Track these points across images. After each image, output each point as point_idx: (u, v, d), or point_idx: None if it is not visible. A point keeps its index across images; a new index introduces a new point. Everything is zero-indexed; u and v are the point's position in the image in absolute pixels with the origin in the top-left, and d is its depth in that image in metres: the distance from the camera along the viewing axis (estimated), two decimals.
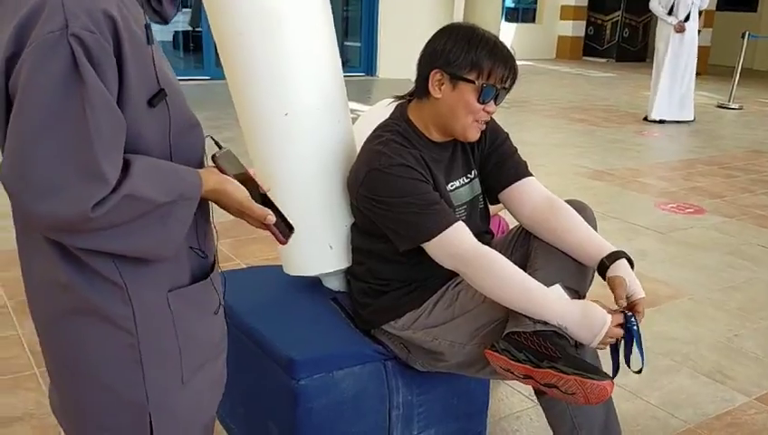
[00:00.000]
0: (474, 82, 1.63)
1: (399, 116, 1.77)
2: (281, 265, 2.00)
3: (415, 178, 1.64)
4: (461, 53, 1.63)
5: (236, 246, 3.45)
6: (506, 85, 1.68)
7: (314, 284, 2.00)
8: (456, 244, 1.62)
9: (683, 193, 4.90)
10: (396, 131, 1.72)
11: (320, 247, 1.88)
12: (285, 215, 1.16)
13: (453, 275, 1.71)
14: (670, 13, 7.44)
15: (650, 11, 14.93)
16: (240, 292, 1.94)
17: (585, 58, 15.52)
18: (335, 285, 1.99)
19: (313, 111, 1.79)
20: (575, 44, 15.61)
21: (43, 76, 0.87)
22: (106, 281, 1.00)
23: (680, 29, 7.40)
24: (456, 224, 1.63)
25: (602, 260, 1.66)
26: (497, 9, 9.45)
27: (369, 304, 1.81)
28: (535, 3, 15.57)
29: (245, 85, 1.77)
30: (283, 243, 1.18)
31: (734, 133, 7.42)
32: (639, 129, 7.35)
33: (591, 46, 15.57)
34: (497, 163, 1.84)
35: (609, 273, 1.64)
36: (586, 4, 15.42)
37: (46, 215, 0.89)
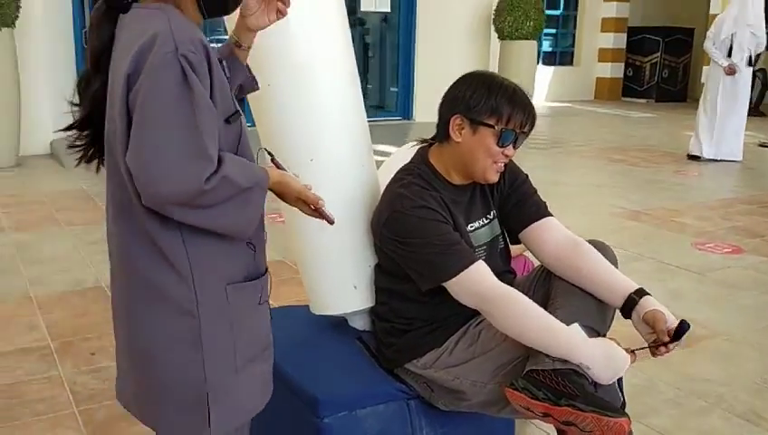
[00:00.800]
0: (494, 127, 1.70)
1: (420, 159, 1.84)
2: (308, 305, 2.07)
3: (436, 220, 1.70)
4: (481, 98, 1.70)
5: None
6: (525, 130, 1.74)
7: (340, 323, 2.05)
8: (477, 282, 1.66)
9: (721, 232, 4.83)
10: (417, 174, 1.78)
11: (344, 287, 1.94)
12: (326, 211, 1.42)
13: (474, 314, 1.75)
14: (729, 54, 7.45)
15: (689, 52, 14.83)
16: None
17: (624, 99, 15.47)
18: (360, 324, 2.04)
19: (338, 156, 1.88)
20: (614, 85, 15.59)
21: (163, 85, 1.12)
22: (178, 272, 1.21)
23: (730, 72, 7.41)
24: (477, 263, 1.67)
25: (630, 296, 1.69)
26: (533, 54, 9.53)
27: (392, 344, 1.85)
28: (573, 46, 15.65)
29: (274, 134, 1.86)
30: (332, 222, 1.42)
31: None
32: (678, 168, 7.28)
33: (631, 87, 15.53)
34: (517, 204, 1.88)
35: (642, 308, 1.67)
36: (624, 46, 15.44)
37: (172, 189, 1.11)
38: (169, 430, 1.31)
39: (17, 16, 6.56)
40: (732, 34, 7.45)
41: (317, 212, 1.38)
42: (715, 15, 13.17)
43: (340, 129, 1.87)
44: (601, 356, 1.56)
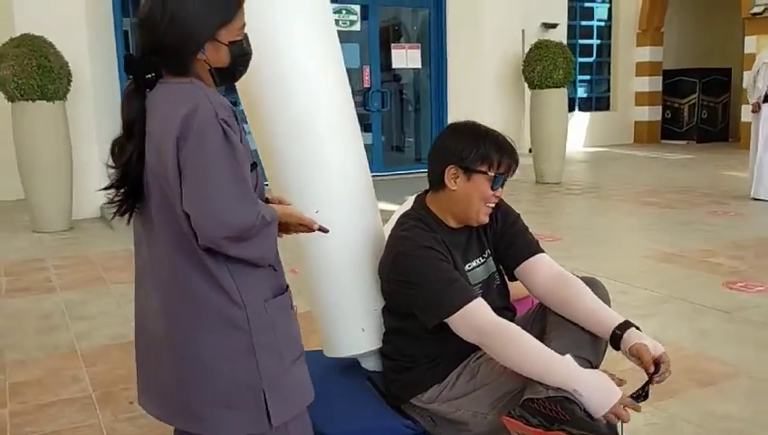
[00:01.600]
0: (487, 173, 1.84)
1: (419, 205, 1.98)
2: (321, 350, 2.19)
3: (437, 259, 1.82)
4: (472, 149, 1.85)
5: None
6: (512, 172, 1.88)
7: (352, 365, 2.17)
8: (477, 317, 1.77)
9: (753, 272, 4.79)
10: (417, 218, 1.93)
11: (353, 330, 2.07)
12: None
13: (473, 349, 1.85)
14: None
15: (728, 92, 14.75)
16: None
17: (664, 141, 15.40)
18: (371, 365, 2.16)
19: (341, 207, 2.03)
20: (652, 129, 15.55)
21: (210, 144, 1.37)
22: (229, 295, 1.46)
23: (754, 109, 7.61)
24: (477, 299, 1.79)
25: (614, 331, 1.78)
26: (563, 101, 9.65)
27: (397, 380, 1.97)
28: (608, 91, 15.73)
29: (280, 187, 2.03)
30: (327, 231, 1.69)
31: None
32: (714, 209, 7.23)
33: (670, 129, 15.47)
34: (510, 242, 2.00)
35: (625, 343, 1.75)
36: (660, 89, 15.45)
37: (235, 227, 1.37)
38: (231, 430, 1.49)
39: (69, 89, 7.02)
40: (757, 72, 7.66)
41: (315, 230, 1.66)
42: (751, 55, 13.19)
43: (342, 181, 2.03)
44: (595, 386, 1.65)
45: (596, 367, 1.80)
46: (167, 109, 1.41)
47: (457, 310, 1.77)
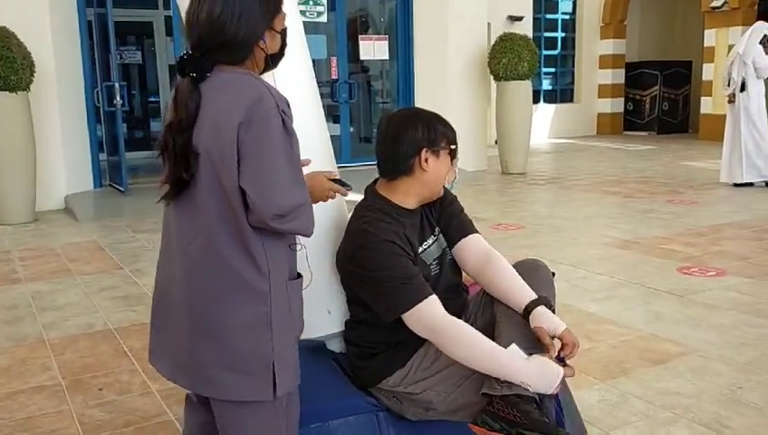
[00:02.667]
0: (448, 149, 1.97)
1: (372, 195, 2.05)
2: None
3: (397, 254, 1.90)
4: (433, 130, 1.96)
5: None
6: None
7: (318, 347, 2.25)
8: (431, 315, 1.86)
9: (707, 257, 4.99)
10: (375, 209, 2.00)
11: (319, 313, 2.14)
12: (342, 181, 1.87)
13: None
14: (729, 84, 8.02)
15: (688, 84, 15.13)
16: None
17: (626, 133, 15.73)
18: (337, 346, 2.24)
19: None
20: (615, 120, 15.87)
21: (272, 132, 1.52)
22: (260, 269, 1.58)
23: (729, 100, 8.03)
24: (431, 297, 1.87)
25: (525, 308, 1.92)
26: (528, 93, 9.80)
27: (363, 367, 2.04)
28: (573, 84, 16.00)
29: None
30: (348, 192, 1.87)
31: None
32: (672, 198, 7.46)
33: (632, 121, 15.81)
34: (446, 223, 2.11)
35: (532, 322, 1.89)
36: (623, 81, 15.76)
37: (286, 206, 1.51)
38: (239, 393, 1.61)
39: (32, 80, 6.95)
40: (730, 64, 7.99)
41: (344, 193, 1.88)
42: (711, 48, 13.54)
43: (309, 169, 2.09)
44: (537, 373, 1.78)
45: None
46: (230, 94, 1.54)
47: (411, 307, 1.86)
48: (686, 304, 3.99)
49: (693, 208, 6.89)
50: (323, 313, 2.14)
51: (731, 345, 3.35)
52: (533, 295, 1.92)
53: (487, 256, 2.04)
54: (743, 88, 7.84)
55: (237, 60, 1.60)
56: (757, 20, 8.72)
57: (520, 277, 1.97)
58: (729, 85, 8.00)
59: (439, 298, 1.91)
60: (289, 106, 1.58)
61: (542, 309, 1.89)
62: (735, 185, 8.00)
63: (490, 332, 1.91)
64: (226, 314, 1.58)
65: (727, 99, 8.06)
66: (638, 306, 3.95)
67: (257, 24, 1.59)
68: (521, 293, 1.94)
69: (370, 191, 2.06)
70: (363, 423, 1.98)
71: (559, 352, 1.84)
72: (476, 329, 1.87)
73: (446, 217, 2.10)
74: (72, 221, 7.07)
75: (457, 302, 2.08)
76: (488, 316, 2.00)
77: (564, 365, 1.81)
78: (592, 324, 3.68)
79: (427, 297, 1.86)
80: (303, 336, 2.19)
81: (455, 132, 2.02)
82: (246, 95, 1.53)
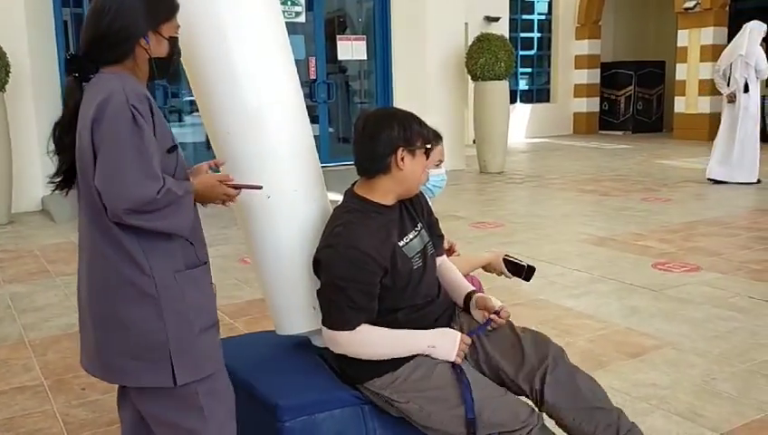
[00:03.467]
0: (425, 147, 2.02)
1: (350, 196, 2.08)
2: (273, 330, 2.30)
3: (361, 266, 1.91)
4: (409, 130, 2.01)
5: (251, 323, 3.74)
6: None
7: (304, 342, 2.28)
8: (348, 344, 1.96)
9: (681, 253, 5.09)
10: (353, 210, 2.02)
11: (304, 309, 2.17)
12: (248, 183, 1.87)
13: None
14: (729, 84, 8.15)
15: (662, 84, 15.38)
16: (238, 353, 2.24)
17: (602, 132, 15.91)
18: (322, 342, 2.26)
19: (292, 193, 2.13)
20: (591, 120, 16.06)
21: (120, 126, 1.55)
22: (139, 264, 1.63)
23: (729, 99, 8.13)
24: (354, 330, 1.93)
25: (466, 295, 2.16)
26: (505, 93, 9.91)
27: (351, 363, 2.05)
28: (549, 83, 16.16)
29: (236, 177, 2.11)
30: (260, 187, 1.88)
31: (740, 194, 7.59)
32: (646, 196, 7.59)
33: (607, 120, 16.00)
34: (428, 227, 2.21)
35: (475, 299, 2.14)
36: (598, 81, 15.95)
37: (135, 200, 1.53)
38: (138, 379, 1.68)
39: (7, 81, 6.88)
40: (730, 65, 8.10)
41: (241, 188, 1.83)
42: (684, 48, 13.75)
43: (292, 167, 2.13)
44: (440, 337, 2.00)
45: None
46: (91, 95, 1.61)
47: (345, 331, 1.94)
48: (661, 298, 4.08)
49: (667, 206, 7.02)
50: (308, 309, 2.17)
51: (704, 338, 3.44)
52: (471, 286, 2.20)
53: (441, 260, 2.26)
54: (746, 89, 8.00)
55: (117, 57, 1.64)
56: (732, 20, 8.89)
57: (460, 274, 2.27)
58: (729, 85, 8.12)
59: (421, 298, 2.02)
60: (147, 101, 1.60)
61: (481, 293, 2.16)
62: (716, 183, 8.15)
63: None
64: (119, 307, 1.64)
65: (727, 99, 8.19)
66: (615, 301, 4.03)
67: (136, 21, 1.63)
68: (464, 286, 2.21)
69: (349, 193, 2.09)
70: (348, 416, 2.02)
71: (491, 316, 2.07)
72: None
73: (428, 223, 2.21)
74: (49, 222, 7.02)
75: (437, 303, 2.12)
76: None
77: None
78: (570, 319, 3.75)
79: (354, 328, 1.93)
80: (288, 333, 2.25)
81: (431, 131, 2.09)
82: (99, 93, 1.58)
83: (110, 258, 1.63)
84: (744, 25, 8.15)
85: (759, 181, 8.10)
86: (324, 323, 1.97)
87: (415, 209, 2.16)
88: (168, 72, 1.74)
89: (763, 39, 8.03)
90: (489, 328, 2.08)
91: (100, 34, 1.62)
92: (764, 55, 8.01)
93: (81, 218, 1.70)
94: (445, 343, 1.97)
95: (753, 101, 8.07)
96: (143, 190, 1.53)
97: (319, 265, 1.99)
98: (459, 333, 2.01)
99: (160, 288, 1.64)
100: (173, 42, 1.71)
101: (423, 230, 2.14)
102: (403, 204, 2.12)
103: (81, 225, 1.71)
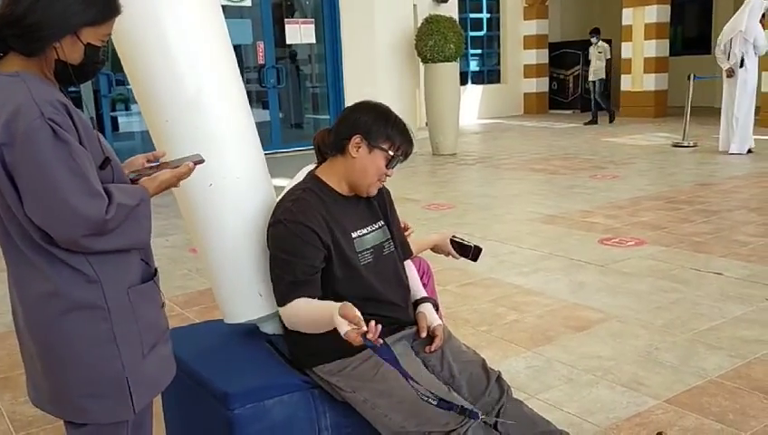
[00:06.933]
0: (387, 152, 2.00)
1: (309, 177, 2.10)
2: (222, 320, 2.29)
3: (307, 241, 1.93)
4: (380, 127, 2.00)
5: (203, 313, 3.71)
6: (405, 158, 2.08)
7: (252, 330, 2.28)
8: (291, 317, 1.98)
9: (626, 228, 5.23)
10: (307, 189, 2.03)
11: (250, 296, 2.17)
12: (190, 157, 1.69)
13: (387, 332, 1.98)
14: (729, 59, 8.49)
15: (610, 63, 15.65)
16: (186, 343, 2.23)
17: (552, 111, 16.13)
18: (270, 329, 2.27)
19: (234, 179, 2.12)
20: (540, 100, 16.26)
21: (40, 147, 1.34)
22: (88, 283, 1.45)
23: (728, 74, 8.48)
24: (296, 300, 1.94)
25: (415, 301, 2.17)
26: (455, 75, 9.99)
27: (301, 346, 2.06)
28: (499, 64, 16.28)
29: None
30: (203, 161, 1.70)
31: (684, 169, 7.81)
32: (594, 173, 7.74)
33: (557, 100, 16.22)
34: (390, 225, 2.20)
35: (417, 311, 2.15)
36: (547, 61, 16.14)
37: (81, 226, 1.36)
38: (98, 417, 1.52)
39: None
40: (730, 40, 8.39)
41: (190, 169, 1.66)
42: (629, 27, 14.00)
43: (234, 154, 2.11)
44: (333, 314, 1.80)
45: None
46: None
47: (282, 305, 1.98)
48: (607, 273, 4.18)
49: (614, 183, 7.18)
50: (254, 296, 2.17)
51: (648, 310, 3.55)
52: (425, 294, 2.21)
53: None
54: (742, 63, 8.33)
55: (30, 50, 1.41)
56: None
57: (418, 279, 2.28)
58: (729, 59, 8.42)
59: (374, 295, 2.02)
60: (64, 108, 1.39)
61: (428, 305, 2.16)
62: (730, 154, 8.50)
63: None
64: (66, 336, 1.45)
65: (726, 73, 8.51)
66: (563, 277, 4.13)
67: (55, 19, 1.40)
68: (417, 289, 2.22)
69: (309, 174, 2.10)
70: (298, 400, 2.03)
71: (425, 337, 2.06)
72: None
73: (390, 222, 2.20)
74: None
75: (395, 310, 2.10)
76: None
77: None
78: (520, 296, 3.83)
79: (295, 299, 1.94)
80: (236, 321, 2.24)
81: (409, 146, 2.05)
82: (4, 108, 1.36)
83: (51, 279, 1.42)
84: (746, 1, 8.42)
85: (750, 151, 8.50)
86: (275, 297, 1.99)
87: (378, 205, 2.16)
88: (72, 80, 1.48)
89: (763, 15, 8.34)
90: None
91: (14, 19, 1.38)
92: (763, 32, 8.32)
93: (5, 238, 1.47)
94: (338, 323, 1.78)
95: (750, 75, 8.42)
96: (93, 211, 1.36)
97: (268, 239, 2.01)
98: (344, 323, 1.73)
99: (113, 308, 1.47)
100: (91, 50, 1.47)
101: (383, 229, 2.14)
102: (366, 199, 2.12)
103: (6, 246, 1.47)
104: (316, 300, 1.94)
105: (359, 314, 1.73)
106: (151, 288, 1.59)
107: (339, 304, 1.79)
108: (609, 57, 13.04)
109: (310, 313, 1.93)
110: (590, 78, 13.12)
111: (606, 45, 12.99)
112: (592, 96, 13.21)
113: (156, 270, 1.64)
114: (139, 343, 1.53)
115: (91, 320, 1.46)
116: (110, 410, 1.52)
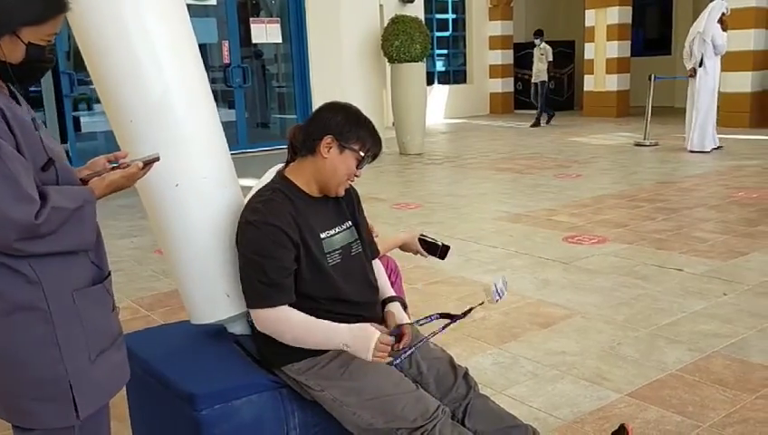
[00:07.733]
0: (358, 152, 2.01)
1: (278, 177, 2.10)
2: (188, 320, 2.28)
3: (277, 242, 1.92)
4: (352, 128, 2.02)
5: (169, 314, 3.68)
6: (374, 159, 2.11)
7: (219, 331, 2.27)
8: (272, 322, 1.96)
9: (589, 226, 5.32)
10: (276, 189, 2.03)
11: (217, 297, 2.17)
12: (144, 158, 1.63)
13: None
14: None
15: (572, 63, 15.90)
16: (152, 344, 2.22)
17: (517, 111, 16.31)
18: (238, 329, 2.27)
19: (201, 179, 2.11)
20: (506, 100, 16.43)
21: None
22: (28, 284, 1.42)
23: (690, 74, 8.75)
24: (278, 308, 1.94)
25: (383, 300, 2.17)
26: (422, 75, 10.06)
27: (270, 345, 2.06)
28: (465, 64, 16.40)
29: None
30: (158, 159, 1.64)
31: (646, 168, 7.97)
32: (559, 172, 7.85)
33: (522, 100, 16.39)
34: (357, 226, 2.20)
35: (386, 311, 2.14)
36: (512, 62, 16.31)
37: (11, 231, 1.34)
38: (41, 421, 1.49)
39: None
40: (692, 40, 8.66)
41: (147, 166, 1.62)
42: (591, 28, 14.22)
43: (200, 154, 2.10)
44: (355, 335, 1.89)
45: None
46: None
47: (260, 308, 1.96)
48: (571, 270, 4.25)
49: (578, 181, 7.29)
50: (222, 296, 2.16)
51: (610, 306, 3.62)
52: (393, 293, 2.22)
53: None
54: (701, 63, 8.56)
55: None
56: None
57: (386, 278, 2.28)
58: (691, 60, 8.67)
59: (343, 295, 2.01)
60: (2, 112, 1.37)
61: (396, 304, 2.16)
62: (691, 151, 8.74)
63: None
64: (9, 338, 1.43)
65: (689, 73, 8.77)
66: (528, 275, 4.18)
67: None
68: (385, 288, 2.22)
69: (278, 174, 2.10)
70: (266, 401, 2.03)
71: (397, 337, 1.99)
72: None
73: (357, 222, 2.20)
74: None
75: (363, 309, 2.11)
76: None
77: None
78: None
79: (275, 307, 1.94)
80: (203, 322, 2.24)
81: (378, 148, 2.07)
82: None
83: None
84: (709, 4, 8.69)
85: (713, 150, 8.70)
86: (246, 300, 1.99)
87: (347, 206, 2.17)
88: (14, 80, 1.45)
89: (722, 17, 8.54)
90: (405, 355, 2.01)
91: None
92: (721, 32, 8.54)
93: None
94: (358, 344, 1.88)
95: (711, 75, 8.65)
96: (21, 215, 1.34)
97: (238, 242, 2.00)
98: (377, 333, 1.88)
99: (55, 311, 1.44)
100: (34, 49, 1.43)
101: (351, 230, 2.15)
102: (335, 200, 2.13)
103: None
104: (324, 321, 1.94)
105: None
106: (100, 292, 1.55)
107: (349, 327, 1.89)
108: (550, 59, 13.12)
109: (310, 330, 1.94)
110: (533, 80, 13.27)
111: (548, 47, 13.07)
112: (532, 98, 13.42)
113: (109, 273, 1.61)
114: (85, 347, 1.49)
115: (33, 322, 1.43)
116: (53, 415, 1.49)
